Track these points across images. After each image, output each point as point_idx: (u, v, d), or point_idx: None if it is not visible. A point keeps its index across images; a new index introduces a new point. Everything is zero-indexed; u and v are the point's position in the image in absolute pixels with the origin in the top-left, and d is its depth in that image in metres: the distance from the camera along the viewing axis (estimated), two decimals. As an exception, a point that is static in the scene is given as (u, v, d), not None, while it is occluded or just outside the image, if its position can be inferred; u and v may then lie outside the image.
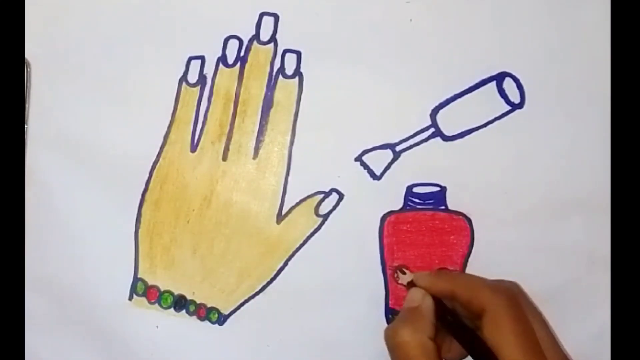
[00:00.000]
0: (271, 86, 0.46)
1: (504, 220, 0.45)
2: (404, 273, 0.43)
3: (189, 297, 0.46)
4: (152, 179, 0.46)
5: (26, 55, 0.46)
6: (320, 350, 0.46)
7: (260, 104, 0.46)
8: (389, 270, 0.45)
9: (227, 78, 0.46)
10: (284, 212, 0.46)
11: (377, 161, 0.45)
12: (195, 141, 0.46)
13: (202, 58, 0.46)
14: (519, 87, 0.45)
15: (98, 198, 0.46)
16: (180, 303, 0.46)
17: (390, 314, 0.45)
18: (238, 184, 0.46)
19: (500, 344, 0.38)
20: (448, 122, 0.45)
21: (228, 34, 0.46)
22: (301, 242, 0.46)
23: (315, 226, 0.46)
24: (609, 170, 0.44)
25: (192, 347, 0.46)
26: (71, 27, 0.46)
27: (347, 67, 0.45)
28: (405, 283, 0.43)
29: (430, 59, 0.45)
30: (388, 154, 0.45)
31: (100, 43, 0.46)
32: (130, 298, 0.46)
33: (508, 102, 0.45)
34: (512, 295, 0.40)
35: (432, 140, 0.45)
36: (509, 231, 0.45)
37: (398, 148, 0.45)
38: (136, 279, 0.46)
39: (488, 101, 0.45)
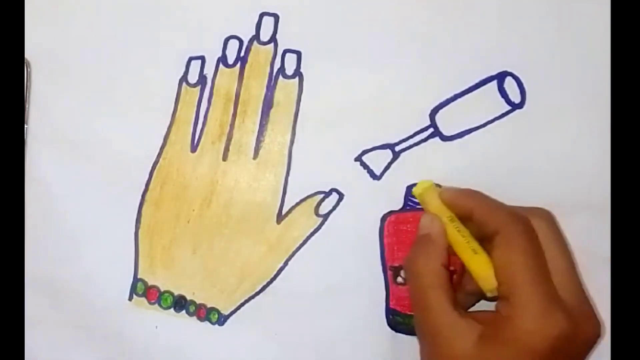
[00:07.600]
0: (271, 86, 0.46)
1: (504, 220, 0.45)
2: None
3: (189, 298, 0.46)
4: (152, 179, 0.46)
5: (26, 55, 0.46)
6: (321, 350, 0.46)
7: (261, 104, 0.46)
8: (389, 271, 0.45)
9: (227, 78, 0.46)
10: (284, 212, 0.46)
11: (377, 161, 0.45)
12: (196, 141, 0.46)
13: (202, 58, 0.46)
14: (520, 86, 0.45)
15: (98, 198, 0.46)
16: (180, 303, 0.46)
17: (391, 314, 0.45)
18: (238, 184, 0.46)
19: (508, 262, 0.37)
20: (447, 122, 0.45)
21: (228, 34, 0.46)
22: (301, 242, 0.46)
23: (315, 226, 0.46)
24: (609, 170, 0.44)
25: (192, 348, 0.46)
26: (71, 27, 0.46)
27: (347, 67, 0.45)
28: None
29: (430, 58, 0.45)
30: (388, 154, 0.45)
31: (100, 43, 0.46)
32: (130, 298, 0.46)
33: (508, 102, 0.45)
34: (527, 222, 0.39)
35: (431, 141, 0.45)
36: (509, 231, 0.45)
37: (397, 148, 0.45)
38: (136, 279, 0.46)
39: (488, 101, 0.45)
